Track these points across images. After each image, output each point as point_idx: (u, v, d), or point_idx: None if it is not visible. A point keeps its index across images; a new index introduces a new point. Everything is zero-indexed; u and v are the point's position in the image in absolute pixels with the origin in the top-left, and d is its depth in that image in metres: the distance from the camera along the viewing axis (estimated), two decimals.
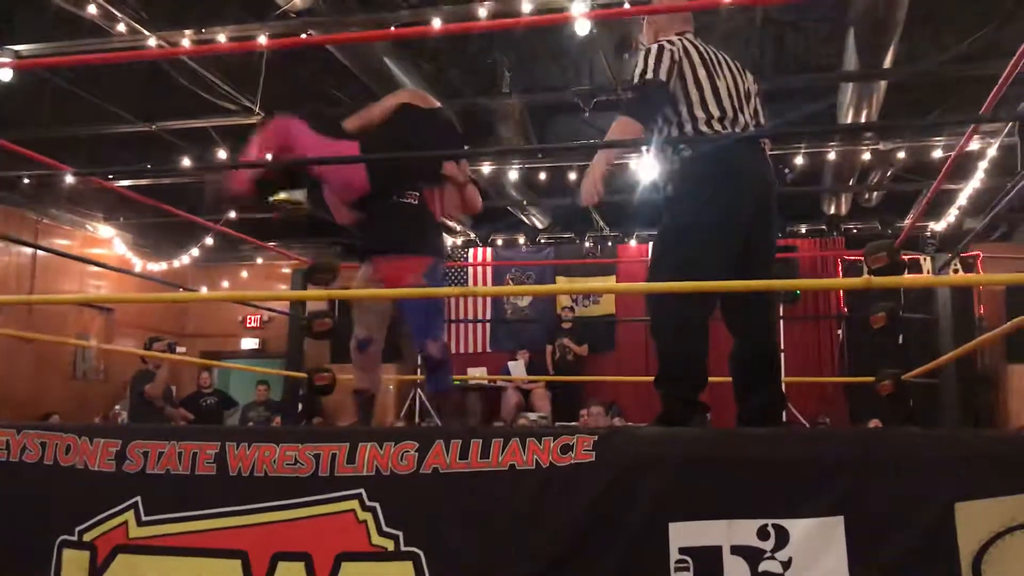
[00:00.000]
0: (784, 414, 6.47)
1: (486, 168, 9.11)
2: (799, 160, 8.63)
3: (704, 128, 3.09)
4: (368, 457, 2.52)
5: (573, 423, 8.39)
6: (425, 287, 3.92)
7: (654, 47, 3.15)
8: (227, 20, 6.26)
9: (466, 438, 2.48)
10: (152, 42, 6.22)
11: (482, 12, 5.71)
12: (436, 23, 5.73)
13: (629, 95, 3.18)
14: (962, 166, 6.87)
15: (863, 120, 7.06)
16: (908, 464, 2.20)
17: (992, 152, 7.25)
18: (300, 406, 10.71)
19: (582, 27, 5.81)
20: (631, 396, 10.39)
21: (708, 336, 3.15)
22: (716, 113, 3.11)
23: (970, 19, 6.53)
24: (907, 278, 2.93)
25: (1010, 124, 6.71)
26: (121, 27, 6.11)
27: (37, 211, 10.31)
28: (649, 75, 3.08)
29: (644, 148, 3.10)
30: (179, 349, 8.09)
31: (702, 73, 3.13)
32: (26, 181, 8.98)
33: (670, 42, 3.17)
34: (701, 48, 3.20)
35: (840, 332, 10.49)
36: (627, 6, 5.47)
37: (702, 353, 3.13)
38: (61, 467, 2.74)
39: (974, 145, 7.06)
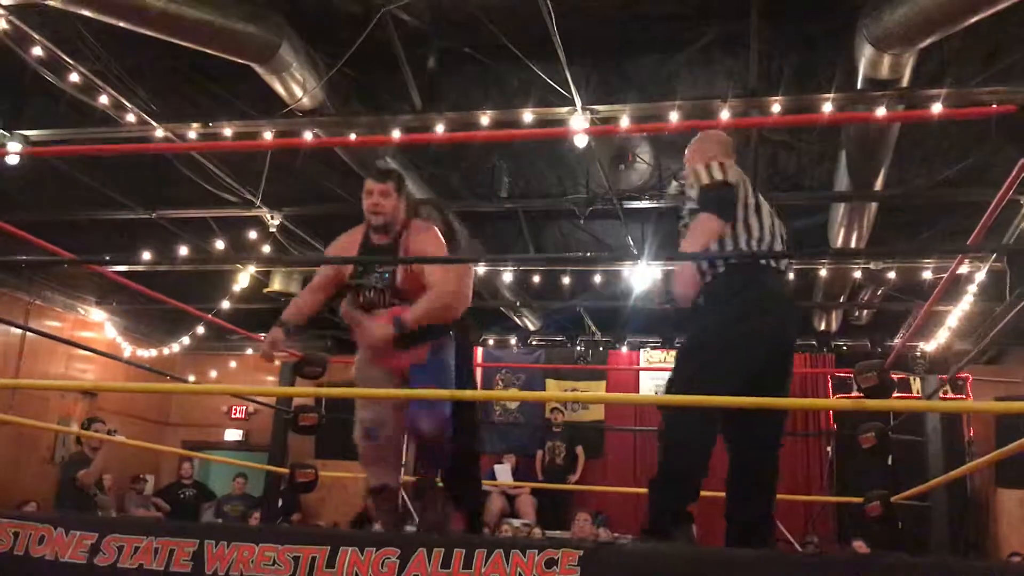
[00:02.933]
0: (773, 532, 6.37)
1: (481, 269, 9.20)
2: (790, 276, 8.71)
3: (744, 247, 3.17)
4: (348, 562, 2.47)
5: (559, 531, 8.24)
6: (434, 362, 3.63)
7: (714, 162, 3.24)
8: (234, 115, 6.40)
9: (449, 547, 2.44)
10: (159, 133, 6.34)
11: (484, 120, 5.86)
12: (439, 128, 5.87)
13: (705, 195, 3.19)
14: (952, 288, 6.95)
15: (854, 238, 7.18)
16: None
17: (981, 276, 7.35)
18: (280, 502, 10.51)
19: (580, 140, 5.96)
20: (618, 505, 10.23)
21: (710, 453, 3.13)
22: (757, 235, 3.20)
23: (960, 146, 6.71)
24: (898, 402, 2.95)
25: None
26: (130, 117, 6.23)
27: (30, 292, 10.31)
28: (719, 177, 3.18)
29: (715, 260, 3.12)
30: (118, 436, 7.88)
31: (750, 198, 3.23)
32: (21, 263, 9.01)
33: (731, 163, 3.29)
34: (745, 178, 3.33)
35: (829, 450, 10.41)
36: (624, 123, 5.62)
37: (701, 470, 3.12)
38: (32, 558, 2.68)
39: (963, 269, 7.16)
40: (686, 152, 3.60)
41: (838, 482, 9.81)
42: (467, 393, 3.92)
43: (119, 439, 7.58)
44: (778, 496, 10.38)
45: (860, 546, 7.27)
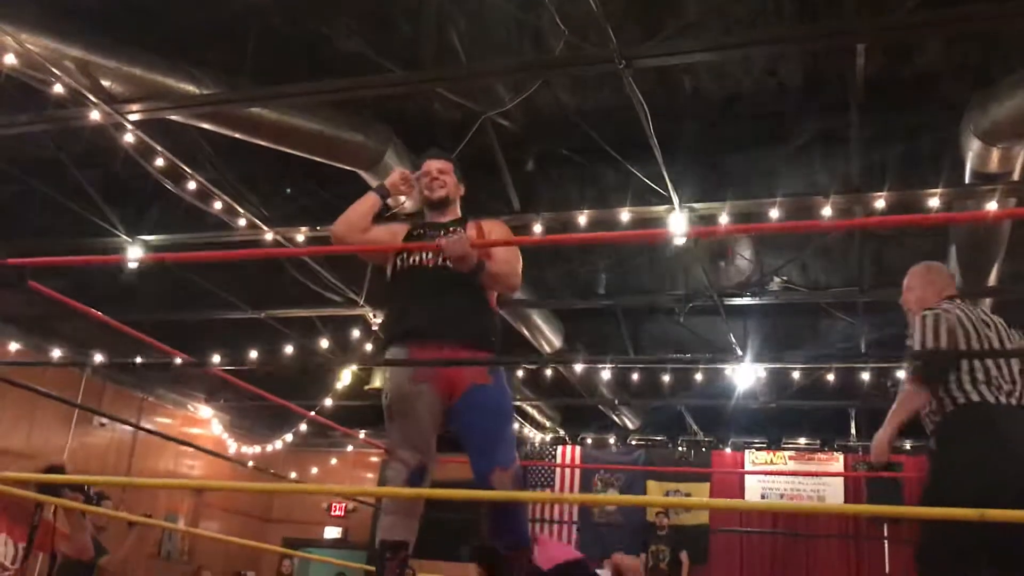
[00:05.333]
0: None
1: (579, 366, 9.15)
2: (900, 373, 8.40)
3: (970, 389, 3.11)
4: None
5: None
6: (497, 388, 3.06)
7: (930, 314, 3.25)
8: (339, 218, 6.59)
9: None
10: (269, 236, 6.60)
11: (582, 219, 5.91)
12: (537, 229, 5.94)
13: (915, 363, 3.27)
14: None
15: None
16: None
17: None
18: None
19: (678, 240, 5.93)
20: None
21: None
22: (981, 377, 3.12)
23: None
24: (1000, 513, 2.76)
25: None
26: (242, 221, 6.51)
27: (143, 390, 10.71)
28: (930, 342, 3.18)
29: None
30: (106, 503, 6.92)
31: (973, 338, 3.20)
32: (136, 363, 9.39)
33: (942, 309, 3.27)
34: (968, 311, 3.29)
35: None
36: (723, 222, 5.58)
37: None
38: None
39: None
40: (906, 281, 3.62)
41: None
42: (569, 497, 3.80)
43: (152, 521, 6.94)
44: None
45: None
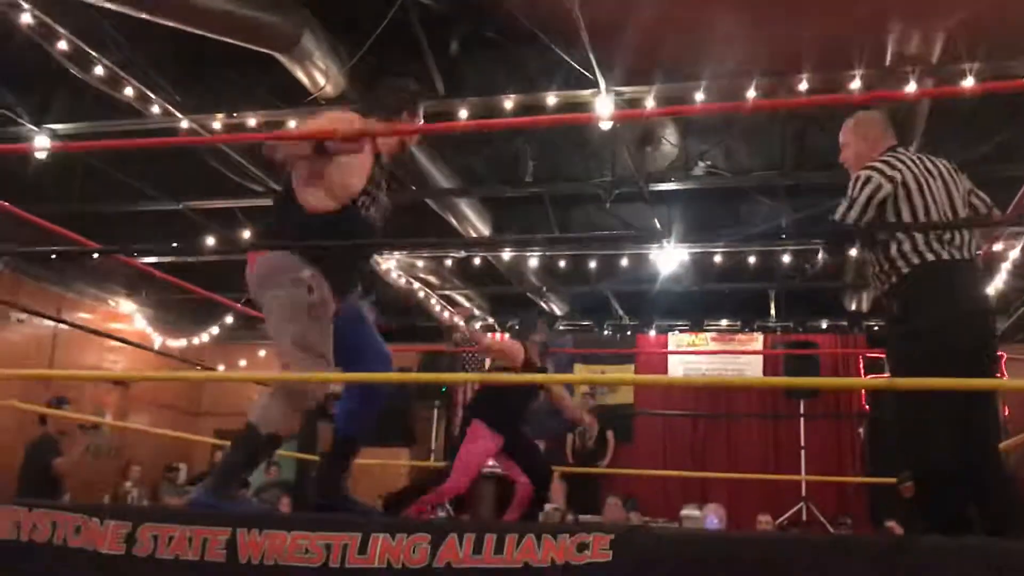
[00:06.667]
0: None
1: (506, 255, 9.18)
2: (821, 255, 8.65)
3: (924, 248, 3.11)
4: (380, 549, 2.47)
5: (589, 516, 8.23)
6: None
7: (863, 174, 3.21)
8: (257, 104, 6.40)
9: (480, 532, 2.43)
10: (184, 124, 6.37)
11: (508, 104, 5.83)
12: (462, 114, 5.84)
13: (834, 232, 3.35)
14: (985, 266, 6.84)
15: None
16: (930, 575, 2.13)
17: (1015, 254, 7.23)
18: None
19: (605, 124, 5.91)
20: (648, 489, 10.22)
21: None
22: (934, 235, 3.12)
23: (991, 121, 6.59)
24: (931, 380, 2.87)
25: None
26: (155, 109, 6.27)
27: (61, 285, 10.43)
28: (853, 213, 3.17)
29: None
30: (107, 415, 7.27)
31: (915, 191, 3.17)
32: (52, 257, 9.11)
33: (884, 163, 3.22)
34: (909, 162, 3.24)
35: (861, 431, 10.33)
36: (649, 106, 5.56)
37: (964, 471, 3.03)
38: (71, 549, 2.70)
39: (997, 247, 7.05)
40: (841, 137, 3.54)
41: (871, 463, 9.73)
42: (498, 377, 3.89)
43: (103, 419, 7.16)
44: (810, 477, 10.31)
45: (893, 527, 7.20)
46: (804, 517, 9.45)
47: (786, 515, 9.46)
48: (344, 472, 3.48)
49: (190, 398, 12.65)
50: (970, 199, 3.34)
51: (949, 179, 3.25)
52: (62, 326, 9.98)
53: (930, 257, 3.08)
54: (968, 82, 5.03)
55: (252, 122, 6.36)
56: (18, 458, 7.17)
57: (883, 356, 8.94)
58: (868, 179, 3.18)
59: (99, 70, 5.83)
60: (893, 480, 5.84)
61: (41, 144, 6.45)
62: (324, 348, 3.06)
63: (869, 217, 3.17)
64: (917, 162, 3.24)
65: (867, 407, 10.31)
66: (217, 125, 6.42)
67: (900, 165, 3.21)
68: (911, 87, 5.14)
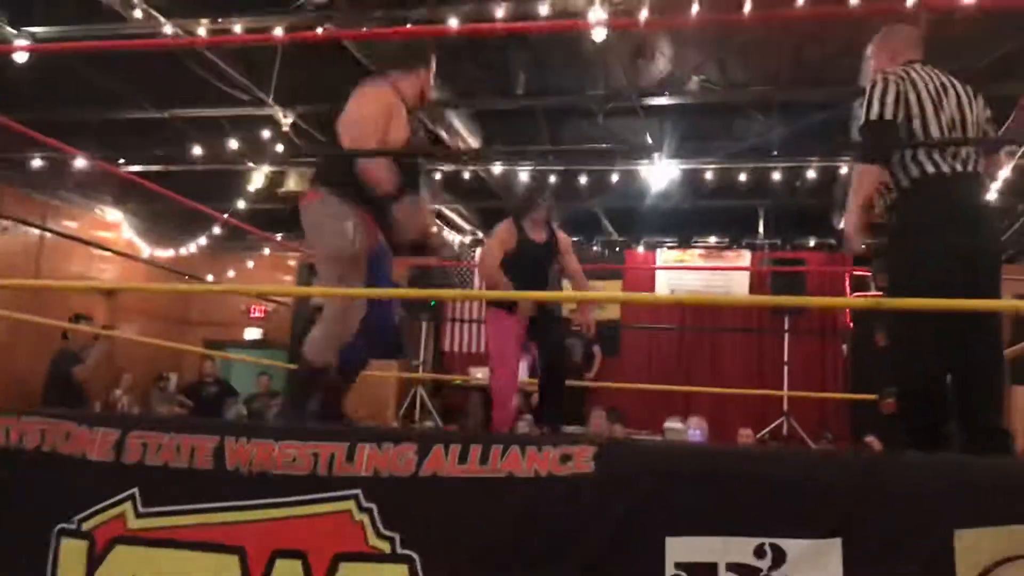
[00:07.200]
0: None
1: (497, 168, 9.11)
2: (811, 173, 8.61)
3: (924, 160, 3.07)
4: (367, 458, 2.51)
5: (575, 427, 8.37)
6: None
7: (879, 80, 3.16)
8: (245, 9, 6.25)
9: (465, 443, 2.47)
10: (168, 29, 6.22)
11: (499, 12, 5.70)
12: (453, 22, 5.72)
13: (862, 139, 3.20)
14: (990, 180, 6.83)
15: None
16: (908, 490, 2.19)
17: (1005, 173, 7.21)
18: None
19: (598, 34, 5.79)
20: (633, 402, 10.37)
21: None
22: (936, 147, 3.08)
23: (991, 37, 6.49)
24: (914, 301, 2.89)
25: None
26: (138, 13, 6.11)
27: (46, 193, 10.33)
28: (874, 115, 3.11)
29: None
30: (84, 321, 7.74)
31: (928, 104, 3.12)
32: (36, 164, 8.99)
33: (895, 74, 3.17)
34: (926, 76, 3.18)
35: (845, 348, 10.45)
36: (644, 15, 5.45)
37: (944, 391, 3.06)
38: (60, 455, 2.74)
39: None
40: (868, 50, 3.50)
41: (853, 380, 9.87)
42: (484, 293, 3.92)
43: (114, 333, 7.56)
44: (792, 393, 10.43)
45: (873, 442, 7.36)
46: (785, 431, 9.63)
47: (767, 429, 9.63)
48: (342, 393, 3.94)
49: (179, 308, 12.67)
50: (986, 127, 3.28)
51: (965, 99, 3.20)
52: (48, 235, 9.94)
53: (930, 169, 3.06)
54: None
55: (238, 28, 6.21)
56: (13, 362, 7.39)
57: (868, 273, 9.00)
58: (885, 82, 3.14)
59: None
60: (874, 397, 5.95)
61: (20, 44, 6.30)
62: (359, 284, 3.50)
63: (895, 112, 3.10)
64: (933, 76, 3.19)
65: (851, 324, 10.41)
66: (202, 31, 6.27)
67: (914, 75, 3.16)
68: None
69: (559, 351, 5.17)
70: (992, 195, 7.61)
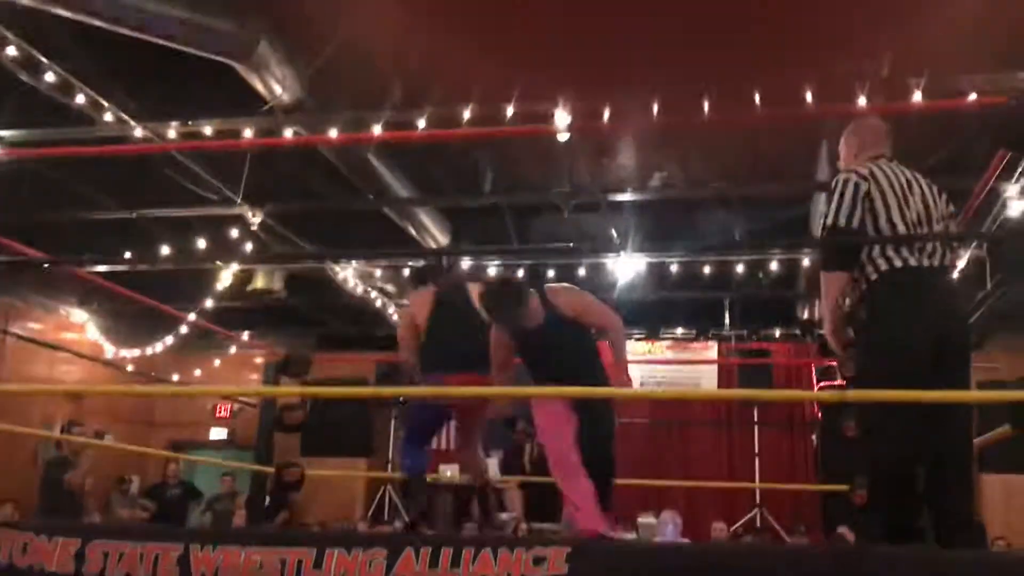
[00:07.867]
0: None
1: (466, 263, 9.18)
2: (774, 265, 8.76)
3: (893, 255, 3.10)
4: (335, 564, 2.46)
5: (547, 524, 8.23)
6: None
7: (841, 181, 3.20)
8: (213, 113, 6.34)
9: (436, 547, 2.43)
10: (138, 132, 6.29)
11: (466, 114, 5.83)
12: (420, 124, 5.84)
13: (823, 246, 3.27)
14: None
15: None
16: None
17: (961, 264, 7.39)
18: (267, 501, 10.47)
19: (562, 137, 5.94)
20: None
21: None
22: (905, 242, 3.11)
23: (939, 133, 6.72)
24: (880, 393, 2.92)
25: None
26: (108, 116, 6.17)
27: (9, 294, 10.22)
28: (837, 222, 3.15)
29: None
30: (107, 437, 7.92)
31: (892, 201, 3.16)
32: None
33: (857, 173, 3.21)
34: (891, 174, 3.22)
35: (814, 439, 10.46)
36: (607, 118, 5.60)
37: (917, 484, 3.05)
38: (18, 569, 2.65)
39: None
40: (839, 149, 3.56)
41: (823, 470, 9.85)
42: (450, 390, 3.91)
43: (106, 443, 7.56)
44: (764, 485, 10.37)
45: (845, 533, 7.30)
46: (758, 523, 9.55)
47: (740, 522, 9.54)
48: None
49: (145, 409, 12.45)
50: (948, 222, 3.34)
51: (929, 196, 3.25)
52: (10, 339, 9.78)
53: (898, 263, 3.09)
54: (917, 96, 5.14)
55: (208, 131, 6.29)
56: None
57: (834, 364, 9.08)
58: (846, 183, 3.18)
59: (50, 76, 5.74)
60: (846, 488, 5.93)
61: None
62: None
63: (860, 216, 3.14)
64: (899, 173, 3.25)
65: (819, 415, 10.44)
66: (172, 133, 6.35)
67: (878, 173, 3.20)
68: (861, 101, 5.24)
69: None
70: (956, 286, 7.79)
